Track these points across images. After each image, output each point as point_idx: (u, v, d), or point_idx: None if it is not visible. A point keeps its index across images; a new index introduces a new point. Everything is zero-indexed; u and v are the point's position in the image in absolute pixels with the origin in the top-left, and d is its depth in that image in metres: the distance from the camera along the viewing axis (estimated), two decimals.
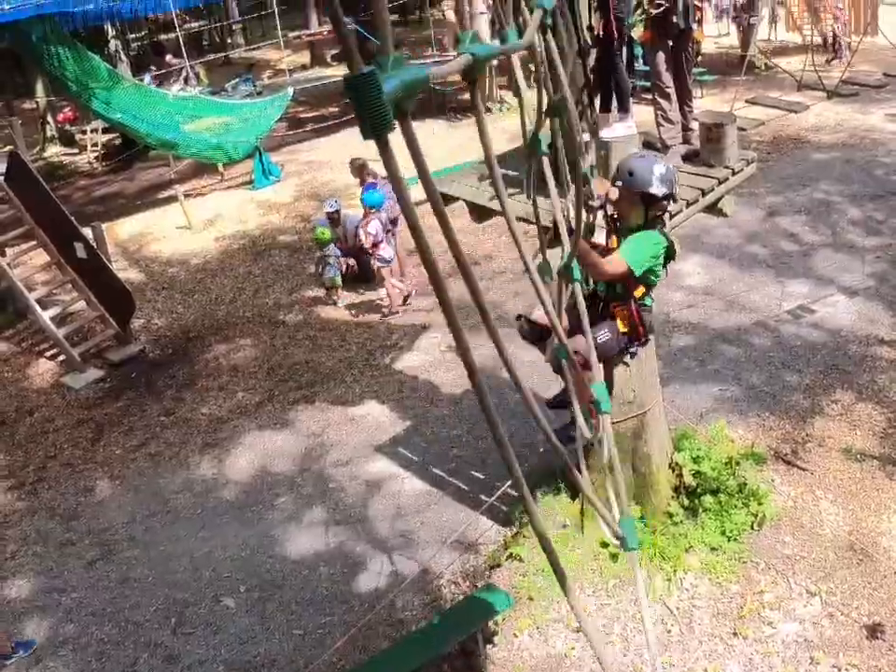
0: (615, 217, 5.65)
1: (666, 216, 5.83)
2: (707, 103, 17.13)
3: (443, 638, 6.76)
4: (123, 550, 8.65)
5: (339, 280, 12.76)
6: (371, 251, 12.22)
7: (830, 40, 20.85)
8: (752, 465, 8.10)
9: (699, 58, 19.80)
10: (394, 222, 12.51)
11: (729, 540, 7.50)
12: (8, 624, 7.85)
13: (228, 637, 7.52)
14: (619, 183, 5.31)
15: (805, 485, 8.21)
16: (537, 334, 5.91)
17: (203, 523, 8.86)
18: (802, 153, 16.14)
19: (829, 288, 11.44)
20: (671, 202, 5.47)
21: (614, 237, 5.53)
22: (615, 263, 5.28)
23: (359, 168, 12.76)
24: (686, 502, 7.80)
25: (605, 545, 7.62)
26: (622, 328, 5.67)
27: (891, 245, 12.40)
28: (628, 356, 6.19)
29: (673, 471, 7.98)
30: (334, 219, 13.01)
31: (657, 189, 5.18)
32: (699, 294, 11.73)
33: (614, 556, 7.53)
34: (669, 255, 5.60)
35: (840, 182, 14.69)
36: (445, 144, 17.49)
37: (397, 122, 1.51)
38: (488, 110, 20.15)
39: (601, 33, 6.35)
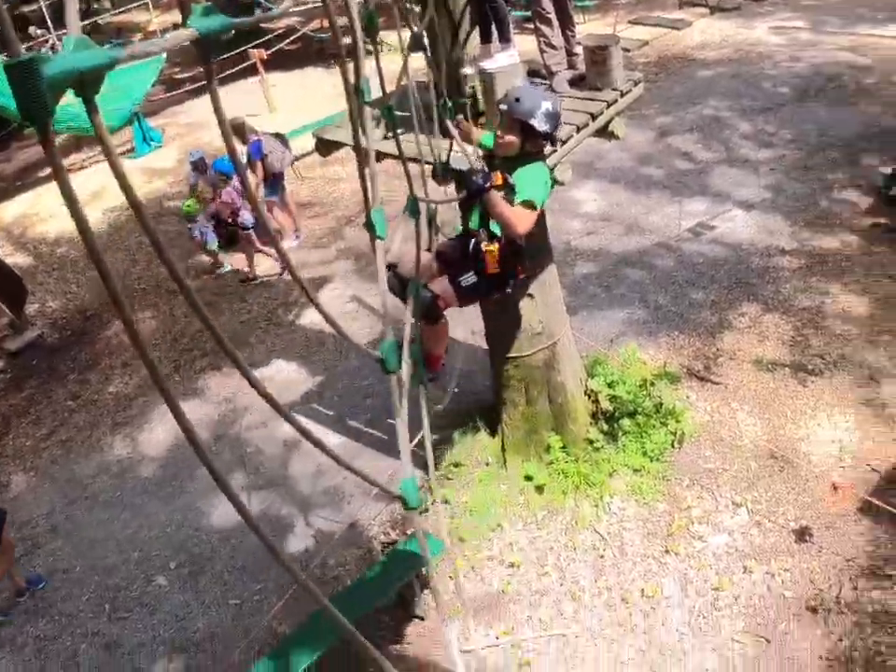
0: (490, 154, 5.50)
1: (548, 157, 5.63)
2: (589, 28, 17.07)
3: (379, 590, 6.72)
4: (47, 542, 8.44)
5: (215, 246, 12.35)
6: (230, 219, 11.91)
7: None
8: (667, 384, 8.18)
9: None
10: (277, 177, 12.28)
11: (651, 461, 7.61)
12: None
13: (164, 616, 7.40)
14: (503, 107, 5.11)
15: (720, 399, 8.34)
16: (402, 287, 5.67)
17: (124, 504, 8.67)
18: (689, 71, 16.21)
19: (726, 204, 11.55)
20: (549, 143, 5.25)
21: (497, 173, 5.27)
22: (525, 216, 4.94)
23: (238, 128, 12.23)
24: (605, 427, 7.88)
25: (529, 478, 7.66)
26: (492, 268, 5.34)
27: (784, 157, 12.56)
28: (508, 289, 5.93)
29: (589, 398, 8.03)
30: (199, 168, 12.55)
31: (538, 123, 4.95)
32: (598, 220, 11.75)
33: (539, 489, 7.58)
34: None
35: (729, 97, 14.78)
36: (324, 91, 17.20)
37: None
38: (369, 52, 19.79)
39: None
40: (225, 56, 19.91)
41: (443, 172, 5.29)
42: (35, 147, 19.04)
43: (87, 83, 1.39)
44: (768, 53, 16.56)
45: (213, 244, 12.21)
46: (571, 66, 7.27)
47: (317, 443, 2.03)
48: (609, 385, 8.02)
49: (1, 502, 8.92)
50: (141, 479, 8.97)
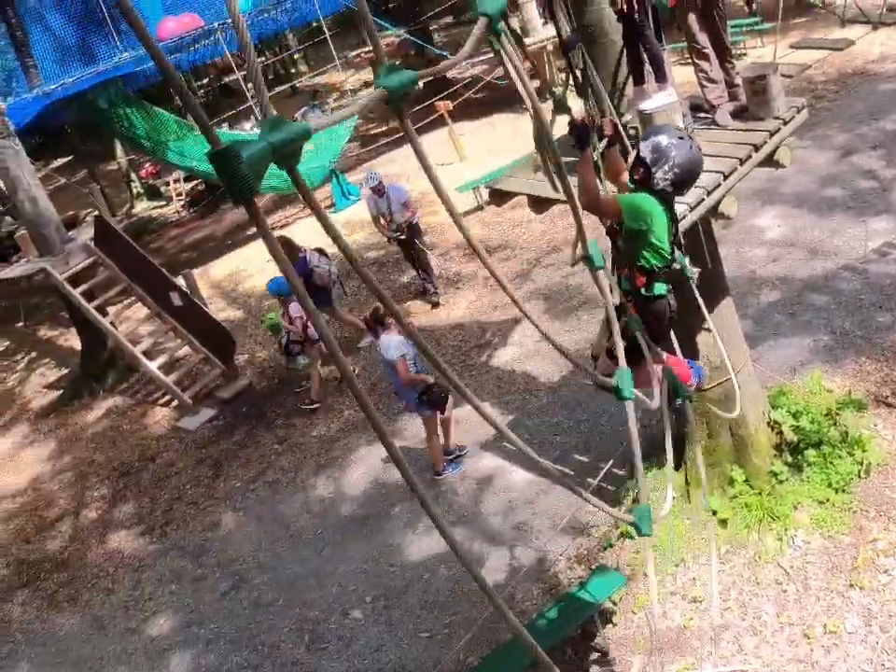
0: None
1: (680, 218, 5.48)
2: (768, 52, 16.63)
3: (563, 623, 6.88)
4: (253, 577, 9.06)
5: (299, 366, 12.18)
6: (302, 336, 11.59)
7: None
8: (853, 412, 7.98)
9: (754, 5, 19.37)
10: (321, 291, 12.10)
11: (837, 492, 7.42)
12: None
13: (359, 647, 7.83)
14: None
15: None
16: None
17: (324, 541, 9.21)
18: (869, 86, 15.54)
19: None
20: (646, 177, 4.92)
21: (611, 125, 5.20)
22: (608, 198, 4.99)
23: (284, 245, 11.78)
24: (789, 459, 7.76)
25: (714, 512, 7.63)
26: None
27: None
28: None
29: (772, 430, 7.93)
30: (379, 191, 12.85)
31: (643, 147, 4.85)
32: (782, 246, 11.49)
33: (723, 522, 7.54)
34: (674, 234, 5.14)
35: None
36: (514, 134, 17.50)
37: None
38: (551, 94, 20.08)
39: (624, 6, 6.34)
40: (416, 108, 20.69)
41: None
42: (242, 208, 20.41)
43: (284, 157, 1.67)
44: None
45: (299, 362, 12.14)
46: (733, 98, 7.27)
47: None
48: (794, 416, 7.91)
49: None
50: (341, 517, 9.49)
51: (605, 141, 5.27)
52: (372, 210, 13.16)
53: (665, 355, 5.99)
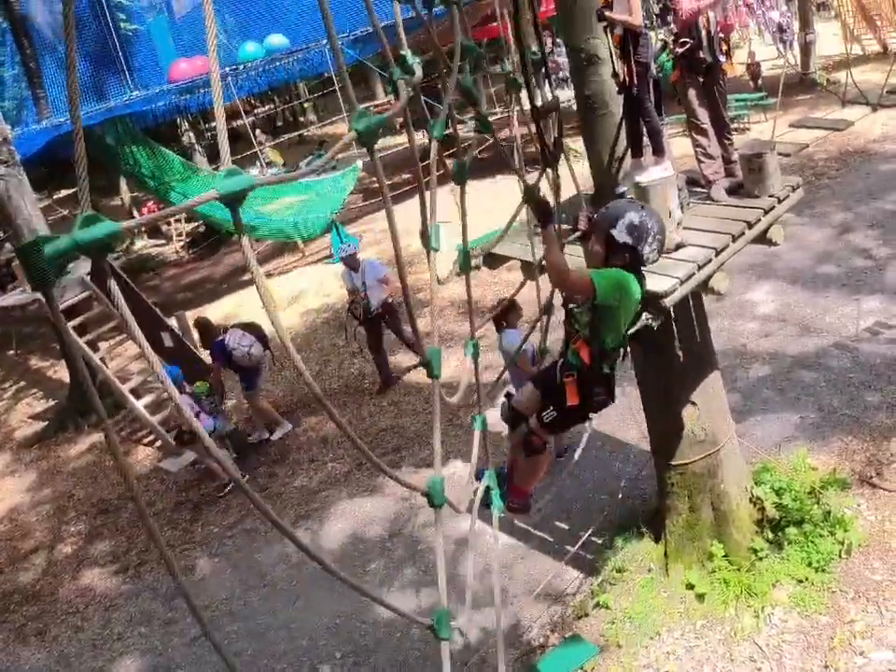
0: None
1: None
2: (768, 127, 16.86)
3: None
4: (224, 625, 8.90)
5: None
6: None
7: None
8: (836, 491, 7.94)
9: (760, 81, 19.69)
10: (251, 371, 11.95)
11: (816, 571, 7.34)
12: None
13: None
14: (595, 216, 5.06)
15: (892, 507, 7.94)
16: (512, 420, 5.78)
17: (298, 594, 9.07)
18: (869, 165, 15.79)
19: None
20: (635, 258, 4.91)
21: (584, 216, 5.16)
22: (567, 275, 4.82)
23: (201, 327, 11.81)
24: (770, 536, 7.68)
25: (690, 587, 7.57)
26: (571, 400, 5.19)
27: None
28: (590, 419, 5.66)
29: (754, 506, 7.87)
30: (351, 265, 12.23)
31: (618, 234, 4.80)
32: (774, 322, 11.55)
33: (700, 597, 7.46)
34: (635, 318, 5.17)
35: None
36: (515, 195, 17.65)
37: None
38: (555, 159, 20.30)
39: (626, 79, 6.43)
40: (422, 164, 20.84)
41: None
42: (240, 252, 20.50)
43: (94, 251, 1.77)
44: None
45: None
46: (730, 174, 7.35)
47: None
48: (777, 493, 7.86)
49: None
50: (317, 570, 9.21)
51: (577, 234, 5.31)
52: (347, 284, 12.49)
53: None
